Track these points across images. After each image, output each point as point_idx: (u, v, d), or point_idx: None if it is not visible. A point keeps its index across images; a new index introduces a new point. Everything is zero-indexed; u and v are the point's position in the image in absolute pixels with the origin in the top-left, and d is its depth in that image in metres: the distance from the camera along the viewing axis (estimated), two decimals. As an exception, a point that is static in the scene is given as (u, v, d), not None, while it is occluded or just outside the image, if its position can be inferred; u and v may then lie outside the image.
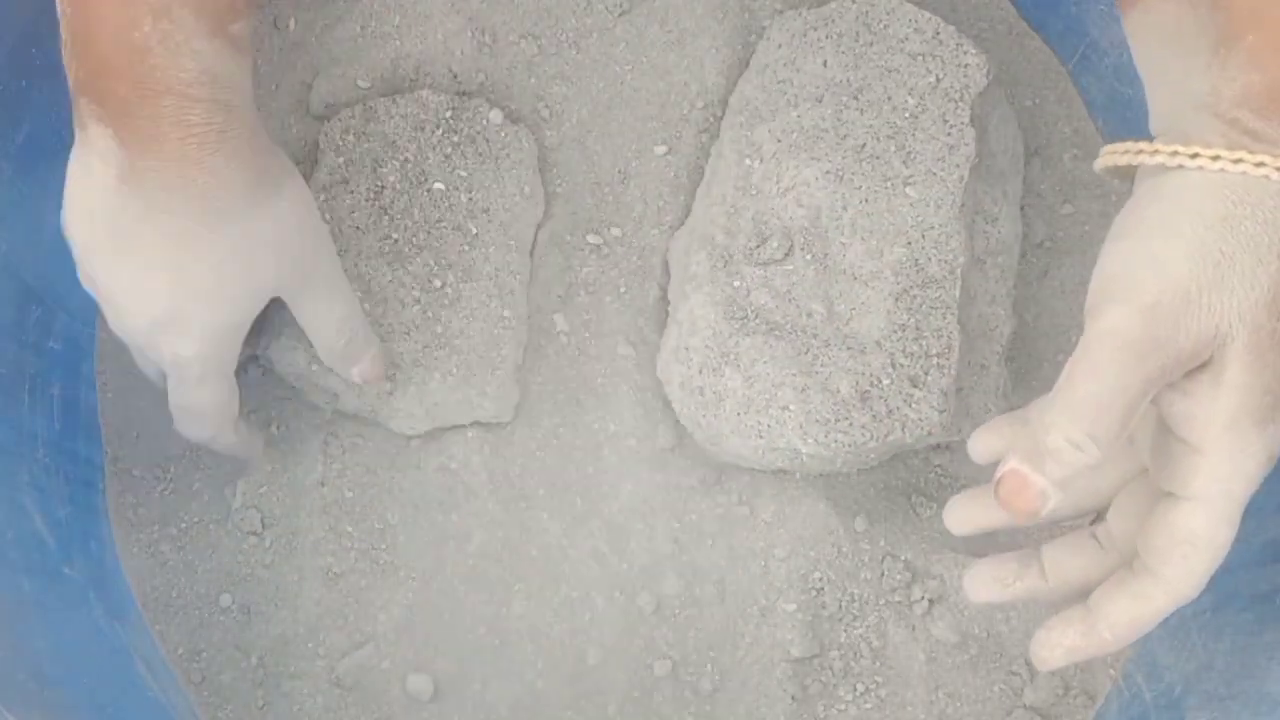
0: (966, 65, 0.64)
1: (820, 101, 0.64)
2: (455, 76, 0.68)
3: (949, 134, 0.63)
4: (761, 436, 0.61)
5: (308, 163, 0.66)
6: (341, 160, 0.62)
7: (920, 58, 0.64)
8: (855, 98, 0.64)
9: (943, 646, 0.63)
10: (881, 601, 0.63)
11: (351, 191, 0.61)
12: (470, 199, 0.62)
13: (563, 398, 0.66)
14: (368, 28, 0.68)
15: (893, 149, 0.63)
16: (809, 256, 0.62)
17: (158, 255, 0.48)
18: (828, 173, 0.63)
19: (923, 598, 0.63)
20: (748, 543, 0.64)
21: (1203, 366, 0.40)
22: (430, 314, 0.62)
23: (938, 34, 0.65)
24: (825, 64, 0.65)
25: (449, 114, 0.63)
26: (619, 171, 0.69)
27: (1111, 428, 0.39)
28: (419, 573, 0.64)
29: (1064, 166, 0.70)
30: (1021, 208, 0.68)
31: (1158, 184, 0.41)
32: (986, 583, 0.49)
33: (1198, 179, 0.40)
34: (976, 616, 0.63)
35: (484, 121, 0.64)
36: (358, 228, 0.61)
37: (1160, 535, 0.42)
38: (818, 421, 0.60)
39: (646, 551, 0.64)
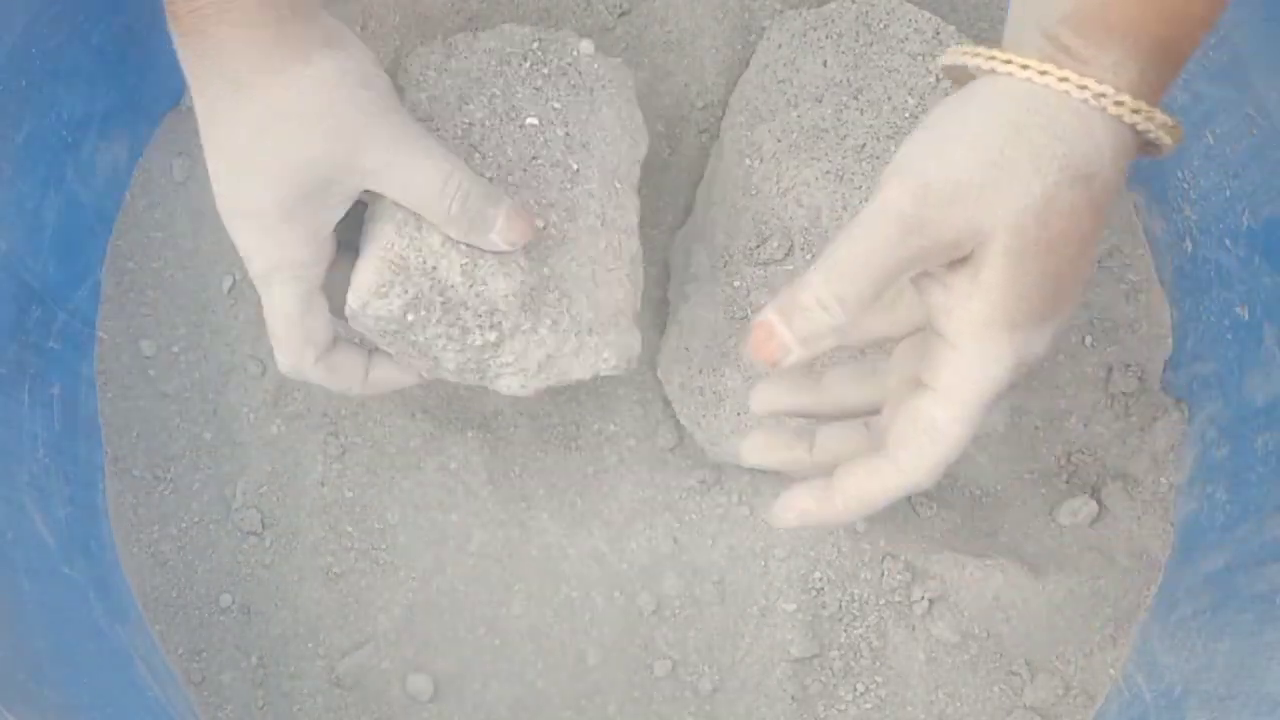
0: (966, 65, 0.64)
1: (820, 101, 0.64)
2: (455, 76, 0.68)
3: None
4: (761, 436, 0.61)
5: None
6: (424, 96, 0.57)
7: (920, 58, 0.64)
8: (855, 98, 0.64)
9: (943, 646, 0.63)
10: (881, 601, 0.63)
11: (437, 129, 0.56)
12: (567, 133, 0.57)
13: (563, 398, 0.66)
14: (368, 28, 0.68)
15: (893, 149, 0.63)
16: (809, 256, 0.62)
17: (207, 133, 0.48)
18: (828, 172, 0.63)
19: (923, 598, 0.63)
20: (748, 543, 0.64)
21: (964, 262, 0.40)
22: (535, 255, 0.54)
23: (938, 34, 0.65)
24: (825, 64, 0.65)
25: (535, 45, 0.58)
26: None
27: (859, 295, 0.40)
28: (419, 573, 0.64)
29: (1064, 166, 0.70)
30: (1021, 208, 0.68)
31: (970, 86, 0.43)
32: (759, 448, 0.50)
33: (1004, 85, 0.41)
34: (977, 616, 0.63)
35: (574, 53, 0.59)
36: None
37: (903, 420, 0.43)
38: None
39: (646, 551, 0.64)
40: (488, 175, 0.55)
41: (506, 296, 0.52)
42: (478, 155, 0.55)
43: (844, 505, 0.46)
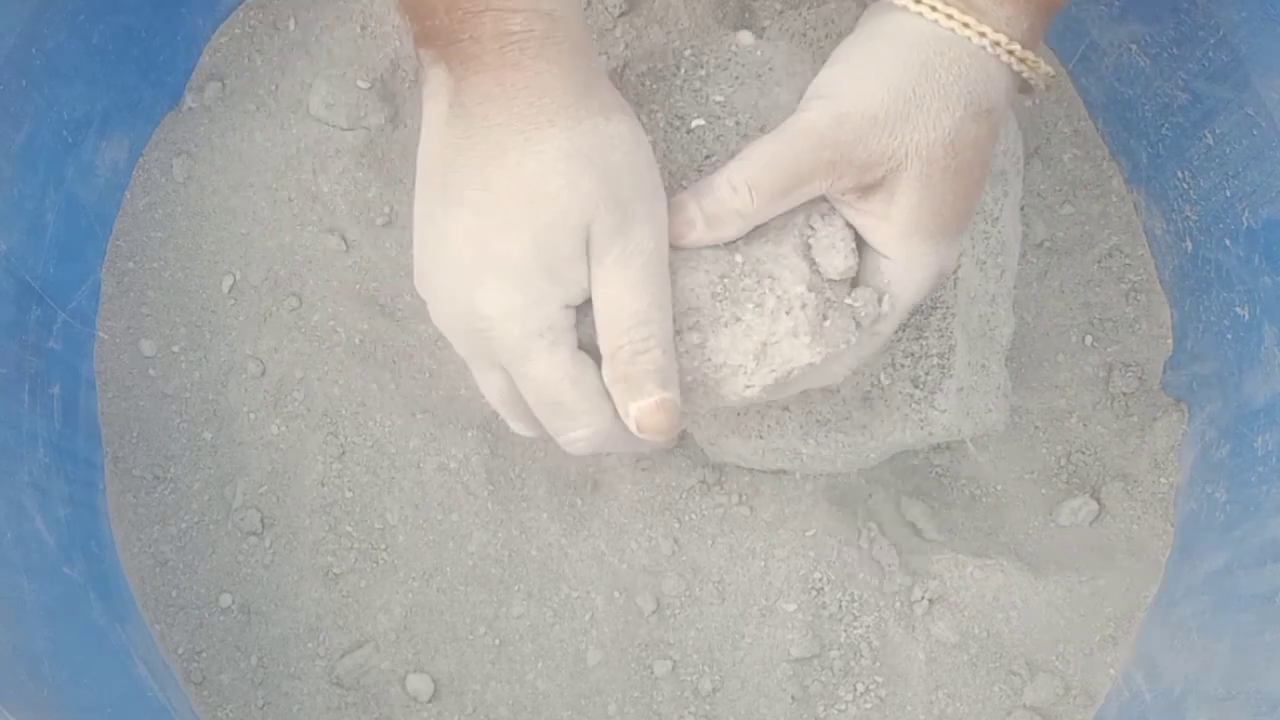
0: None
1: (820, 101, 0.64)
2: (455, 76, 0.68)
3: None
4: (762, 437, 0.61)
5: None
6: None
7: (920, 58, 0.64)
8: (855, 98, 0.64)
9: (943, 646, 0.63)
10: (881, 602, 0.63)
11: None
12: (738, 121, 0.53)
13: (563, 398, 0.66)
14: (367, 28, 0.68)
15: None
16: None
17: (472, 176, 0.44)
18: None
19: (923, 598, 0.63)
20: (748, 543, 0.64)
21: (878, 189, 0.46)
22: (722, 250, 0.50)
23: (938, 34, 0.65)
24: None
25: (688, 52, 0.56)
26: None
27: (769, 186, 0.45)
28: (419, 573, 0.64)
29: (1064, 166, 0.70)
30: (1021, 208, 0.68)
31: (879, 22, 0.47)
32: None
33: (912, 25, 0.46)
34: (977, 616, 0.63)
35: (733, 48, 0.55)
36: None
37: None
38: (818, 421, 0.60)
39: (646, 551, 0.64)
40: (665, 185, 0.50)
41: (696, 291, 0.48)
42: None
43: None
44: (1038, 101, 0.70)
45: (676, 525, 0.64)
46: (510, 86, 0.43)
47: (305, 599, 0.64)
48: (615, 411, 0.46)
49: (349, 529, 0.64)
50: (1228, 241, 0.61)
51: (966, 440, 0.63)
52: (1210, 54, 0.59)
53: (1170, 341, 0.67)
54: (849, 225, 0.49)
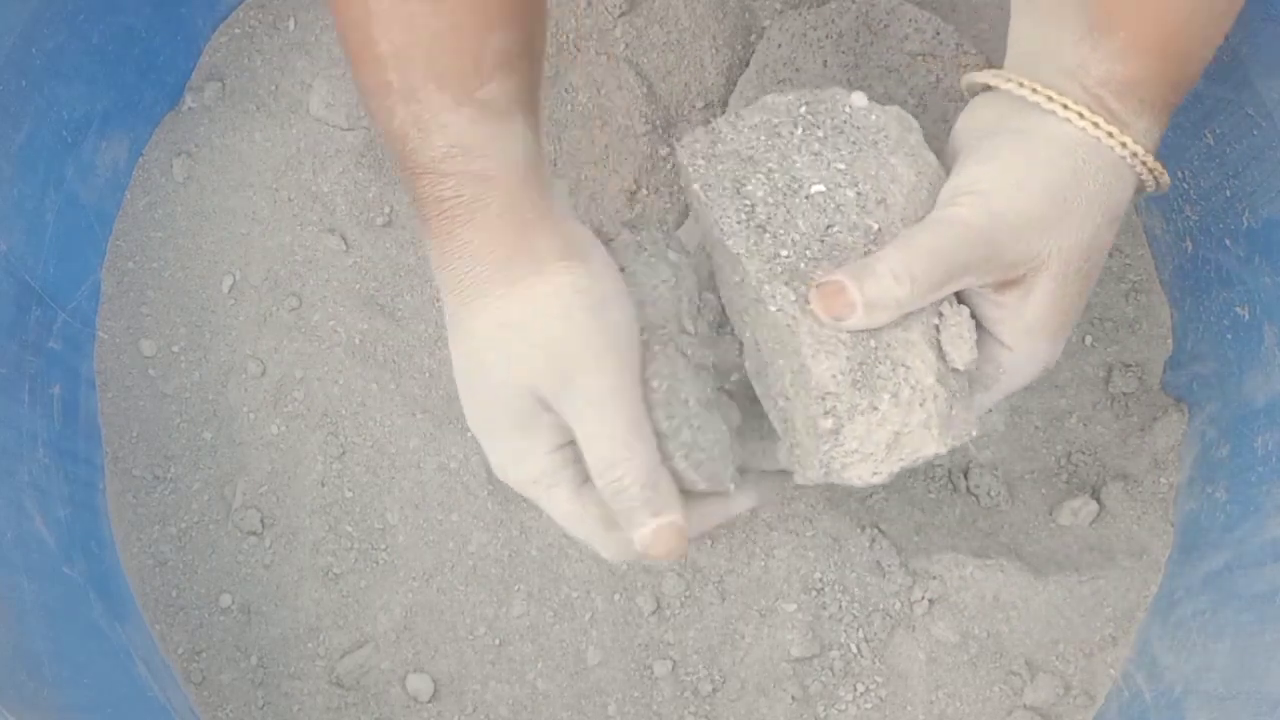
0: (966, 65, 0.64)
1: (820, 101, 0.64)
2: (455, 76, 0.68)
3: (949, 133, 0.63)
4: (762, 437, 0.61)
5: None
6: (698, 187, 0.52)
7: (920, 58, 0.64)
8: (855, 98, 0.64)
9: (943, 646, 0.63)
10: (882, 602, 0.63)
11: (719, 219, 0.51)
12: (859, 193, 0.51)
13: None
14: (368, 28, 0.68)
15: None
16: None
17: (453, 343, 0.47)
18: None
19: (923, 598, 0.63)
20: (748, 543, 0.64)
21: (1016, 284, 0.47)
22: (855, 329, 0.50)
23: (938, 34, 0.65)
24: (825, 64, 0.65)
25: (803, 109, 0.53)
26: (619, 172, 0.69)
27: (927, 278, 0.45)
28: (419, 573, 0.64)
29: (1064, 166, 0.70)
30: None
31: (1024, 120, 0.47)
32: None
33: (1060, 130, 0.46)
34: (977, 616, 0.63)
35: (846, 109, 0.54)
36: (740, 255, 0.50)
37: None
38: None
39: (646, 551, 0.64)
40: (783, 253, 0.50)
41: (835, 376, 0.47)
42: (768, 236, 0.50)
43: None
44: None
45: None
46: (448, 254, 0.44)
47: (305, 599, 0.64)
48: (604, 540, 0.48)
49: (349, 529, 0.64)
50: (1228, 241, 0.61)
51: (967, 440, 0.63)
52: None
53: (1170, 341, 0.67)
54: (972, 314, 0.49)
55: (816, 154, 0.52)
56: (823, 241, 0.50)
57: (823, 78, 0.64)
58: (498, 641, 0.63)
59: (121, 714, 0.57)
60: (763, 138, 0.53)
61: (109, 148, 0.65)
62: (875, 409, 0.47)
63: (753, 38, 0.69)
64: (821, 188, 0.51)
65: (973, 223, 0.46)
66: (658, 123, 0.69)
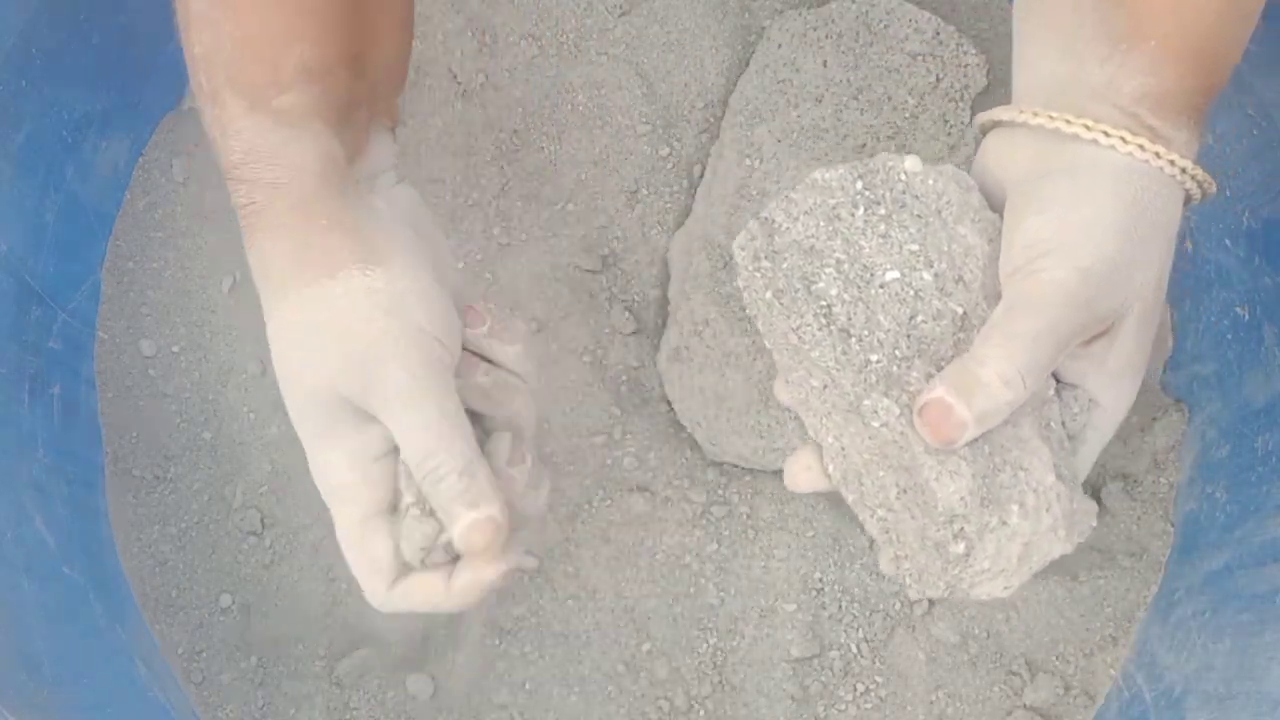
0: (966, 65, 0.64)
1: (820, 101, 0.64)
2: (455, 77, 0.68)
3: (949, 134, 0.63)
4: (762, 437, 0.61)
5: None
6: (769, 295, 0.47)
7: (920, 58, 0.64)
8: (855, 98, 0.64)
9: (943, 646, 0.63)
10: (881, 602, 0.63)
11: (798, 328, 0.46)
12: (936, 274, 0.47)
13: (563, 398, 0.66)
14: (368, 28, 0.68)
15: (893, 149, 0.63)
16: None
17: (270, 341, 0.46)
18: (828, 173, 0.63)
19: (923, 598, 0.63)
20: (748, 543, 0.64)
21: (1104, 333, 0.44)
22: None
23: (938, 34, 0.65)
24: (825, 64, 0.65)
25: (859, 185, 0.49)
26: (619, 172, 0.69)
27: (1040, 369, 0.42)
28: (419, 573, 0.64)
29: (1064, 166, 0.70)
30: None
31: (1064, 156, 0.44)
32: (801, 470, 0.47)
33: (1107, 160, 0.43)
34: (976, 616, 0.63)
35: (902, 177, 0.49)
36: (828, 368, 0.46)
37: None
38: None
39: (647, 552, 0.64)
40: (874, 359, 0.45)
41: (962, 499, 0.44)
42: (853, 341, 0.45)
43: None
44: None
45: (676, 525, 0.64)
46: (252, 258, 0.44)
47: (305, 599, 0.64)
48: (385, 590, 0.45)
49: (349, 529, 0.64)
50: (1228, 241, 0.61)
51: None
52: (1210, 54, 0.59)
53: (1170, 341, 0.67)
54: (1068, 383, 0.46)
55: (884, 236, 0.48)
56: (909, 336, 0.46)
57: (823, 78, 0.64)
58: (498, 642, 0.63)
59: (121, 714, 0.57)
60: (823, 223, 0.48)
61: (109, 148, 0.65)
62: (1005, 524, 0.44)
63: (753, 38, 0.69)
64: (896, 274, 0.47)
65: (1067, 289, 0.42)
66: (658, 123, 0.69)
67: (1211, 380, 0.63)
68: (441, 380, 0.45)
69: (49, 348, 0.62)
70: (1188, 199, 0.46)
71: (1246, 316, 0.61)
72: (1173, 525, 0.65)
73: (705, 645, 0.63)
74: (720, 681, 0.63)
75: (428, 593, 0.45)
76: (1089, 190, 0.43)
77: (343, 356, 0.44)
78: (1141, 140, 0.43)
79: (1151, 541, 0.65)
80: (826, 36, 0.65)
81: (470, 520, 0.43)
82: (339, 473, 0.45)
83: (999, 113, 0.46)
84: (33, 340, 0.61)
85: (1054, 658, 0.63)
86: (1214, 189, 0.46)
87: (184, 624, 0.64)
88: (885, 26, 0.65)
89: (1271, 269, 0.58)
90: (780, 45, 0.66)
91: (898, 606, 0.63)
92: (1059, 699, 0.62)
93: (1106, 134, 0.43)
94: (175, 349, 0.66)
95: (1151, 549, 0.64)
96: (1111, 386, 0.45)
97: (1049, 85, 0.45)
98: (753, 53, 0.68)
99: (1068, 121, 0.43)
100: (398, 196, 0.48)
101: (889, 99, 0.64)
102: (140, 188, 0.67)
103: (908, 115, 0.63)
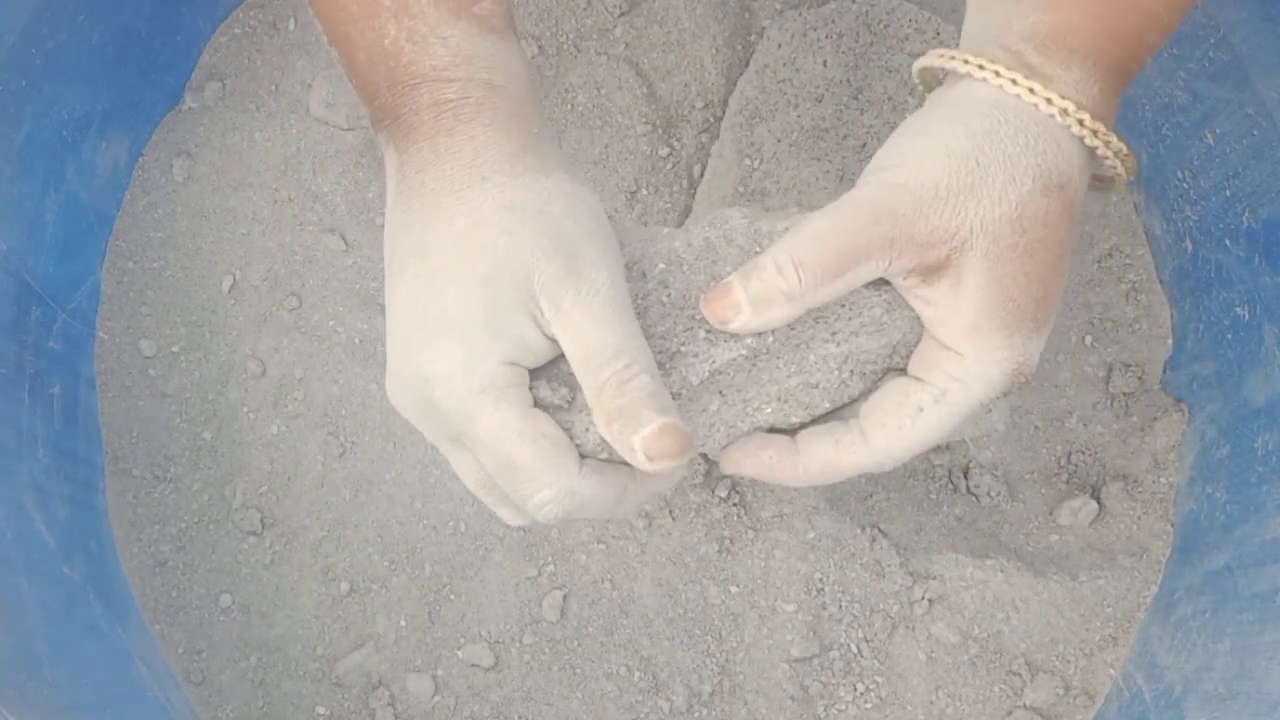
0: (966, 65, 0.64)
1: (820, 101, 0.64)
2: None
3: None
4: (761, 436, 0.61)
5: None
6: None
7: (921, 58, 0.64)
8: (855, 98, 0.64)
9: (943, 646, 0.63)
10: (882, 602, 0.63)
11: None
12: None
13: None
14: (368, 28, 0.68)
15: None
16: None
17: (412, 244, 0.43)
18: (828, 172, 0.63)
19: (923, 598, 0.63)
20: (748, 543, 0.64)
21: (943, 272, 0.42)
22: None
23: (938, 34, 0.65)
24: (825, 64, 0.65)
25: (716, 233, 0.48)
26: (619, 172, 0.69)
27: (818, 264, 0.41)
28: (419, 572, 0.64)
29: (1064, 166, 0.70)
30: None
31: (942, 94, 0.44)
32: (735, 456, 0.47)
33: (977, 93, 0.42)
34: (976, 616, 0.63)
35: (728, 224, 0.48)
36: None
37: (889, 402, 0.44)
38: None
39: (648, 552, 0.64)
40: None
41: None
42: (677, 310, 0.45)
43: (804, 470, 0.45)
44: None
45: (676, 525, 0.64)
46: (444, 151, 0.43)
47: (305, 599, 0.64)
48: (579, 469, 0.42)
49: (349, 529, 0.64)
50: (1228, 241, 0.61)
51: (966, 440, 0.63)
52: (1210, 54, 0.59)
53: (1170, 341, 0.67)
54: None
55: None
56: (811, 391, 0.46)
57: (823, 78, 0.65)
58: (499, 642, 0.63)
59: (121, 714, 0.57)
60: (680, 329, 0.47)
61: (109, 148, 0.65)
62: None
63: (753, 38, 0.69)
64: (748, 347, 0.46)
65: (871, 198, 0.41)
66: (658, 123, 0.69)
67: (1211, 380, 0.63)
68: (627, 293, 0.43)
69: (49, 348, 0.62)
70: (1104, 178, 0.44)
71: (1246, 316, 0.61)
72: (1173, 525, 0.65)
73: (705, 645, 0.63)
74: (720, 681, 0.63)
75: (614, 480, 0.43)
76: (945, 120, 0.43)
77: (549, 238, 0.41)
78: (1015, 75, 0.42)
79: (1151, 541, 0.65)
80: (826, 36, 0.65)
81: (661, 423, 0.40)
82: (493, 366, 0.41)
83: (918, 63, 0.47)
84: (33, 340, 0.61)
85: (1054, 658, 0.63)
86: (1118, 143, 0.43)
87: (184, 624, 0.64)
88: (885, 26, 0.65)
89: (1271, 269, 0.58)
90: (780, 45, 0.66)
91: (898, 606, 0.63)
92: (1059, 699, 0.62)
93: (982, 67, 0.42)
94: (175, 349, 0.66)
95: (1151, 549, 0.64)
96: (970, 336, 0.42)
97: (968, 29, 0.46)
98: (753, 53, 0.68)
99: (952, 57, 0.43)
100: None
101: (889, 99, 0.64)
102: (140, 188, 0.67)
103: (908, 115, 0.63)
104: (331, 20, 0.45)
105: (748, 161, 0.65)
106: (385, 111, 0.44)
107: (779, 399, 0.45)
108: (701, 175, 0.68)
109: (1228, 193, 0.60)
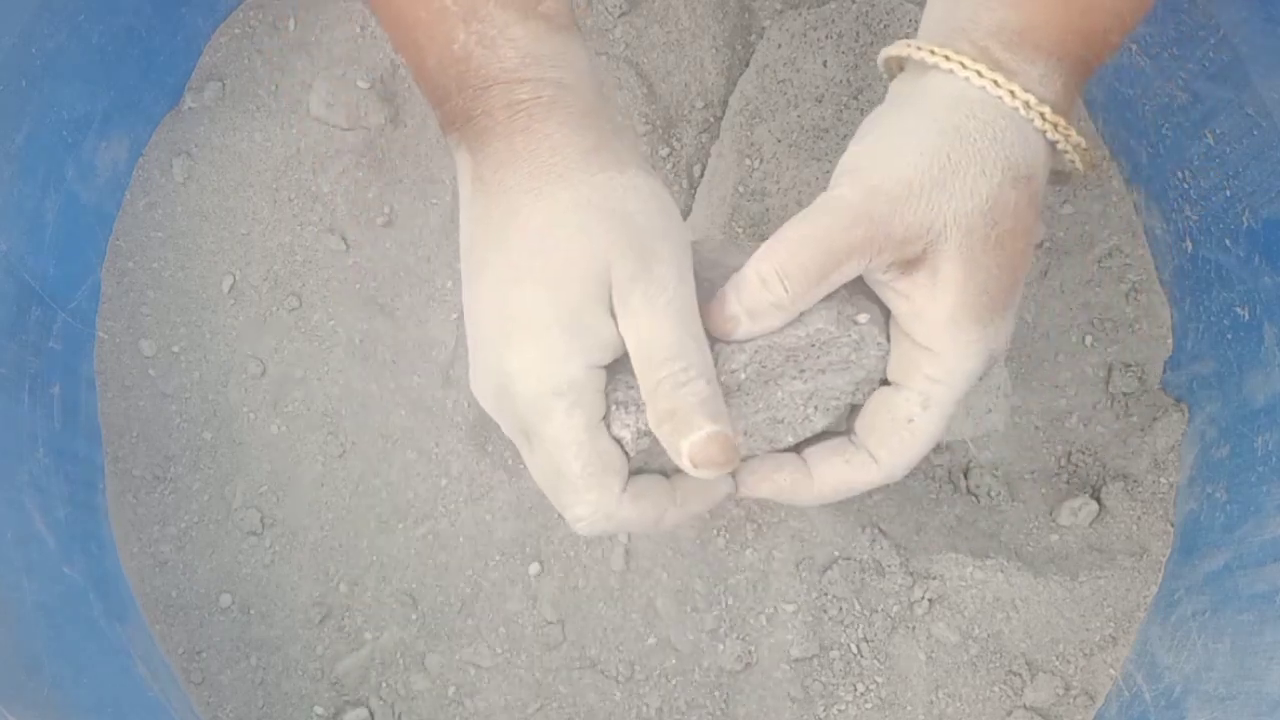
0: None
1: (820, 101, 0.64)
2: (455, 76, 0.68)
3: None
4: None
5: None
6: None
7: (920, 58, 0.64)
8: (855, 98, 0.64)
9: (943, 646, 0.63)
10: (882, 602, 0.63)
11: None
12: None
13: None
14: (367, 28, 0.68)
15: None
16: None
17: (491, 242, 0.44)
18: (828, 172, 0.62)
19: (923, 598, 0.63)
20: (748, 543, 0.64)
21: (919, 266, 0.43)
22: None
23: (938, 34, 0.65)
24: (825, 64, 0.65)
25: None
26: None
27: (802, 272, 0.42)
28: (420, 572, 0.64)
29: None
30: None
31: (907, 87, 0.45)
32: (751, 479, 0.47)
33: (944, 87, 0.43)
34: (976, 616, 0.63)
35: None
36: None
37: (880, 420, 0.45)
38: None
39: (648, 552, 0.64)
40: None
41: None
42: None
43: (819, 490, 0.47)
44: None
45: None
46: (520, 150, 0.43)
47: (305, 599, 0.64)
48: (621, 491, 0.43)
49: (349, 529, 0.64)
50: (1228, 241, 0.61)
51: (966, 440, 0.63)
52: (1210, 54, 0.59)
53: (1170, 341, 0.67)
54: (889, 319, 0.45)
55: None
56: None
57: (823, 78, 0.64)
58: (500, 642, 0.63)
59: (121, 714, 0.57)
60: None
61: (109, 148, 0.65)
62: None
63: (753, 38, 0.69)
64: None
65: (847, 201, 0.42)
66: (658, 123, 0.69)
67: (1211, 380, 0.63)
68: (693, 293, 0.44)
69: (49, 348, 0.62)
70: (1064, 173, 0.45)
71: (1246, 316, 0.61)
72: (1173, 525, 0.65)
73: (705, 645, 0.63)
74: (720, 681, 0.63)
75: (658, 495, 0.44)
76: (912, 116, 0.44)
77: (625, 234, 0.42)
78: (979, 67, 0.42)
79: (1151, 541, 0.65)
80: (826, 36, 0.65)
81: (710, 431, 0.41)
82: (574, 372, 0.42)
83: (883, 53, 0.47)
84: (33, 340, 0.61)
85: (1054, 658, 0.63)
86: (1078, 139, 0.44)
87: (184, 624, 0.64)
88: (885, 26, 0.65)
89: (1271, 269, 0.58)
90: (780, 45, 0.66)
91: (898, 606, 0.63)
92: (1059, 699, 0.62)
93: (948, 58, 0.43)
94: (175, 349, 0.66)
95: (1151, 549, 0.64)
96: (947, 332, 0.43)
97: (928, 20, 0.46)
98: (753, 53, 0.68)
99: (918, 48, 0.44)
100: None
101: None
102: (140, 188, 0.67)
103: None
104: (398, 27, 0.45)
105: (748, 161, 0.65)
106: (457, 114, 0.45)
107: (745, 434, 0.46)
108: (701, 175, 0.68)
109: (1228, 193, 0.60)
